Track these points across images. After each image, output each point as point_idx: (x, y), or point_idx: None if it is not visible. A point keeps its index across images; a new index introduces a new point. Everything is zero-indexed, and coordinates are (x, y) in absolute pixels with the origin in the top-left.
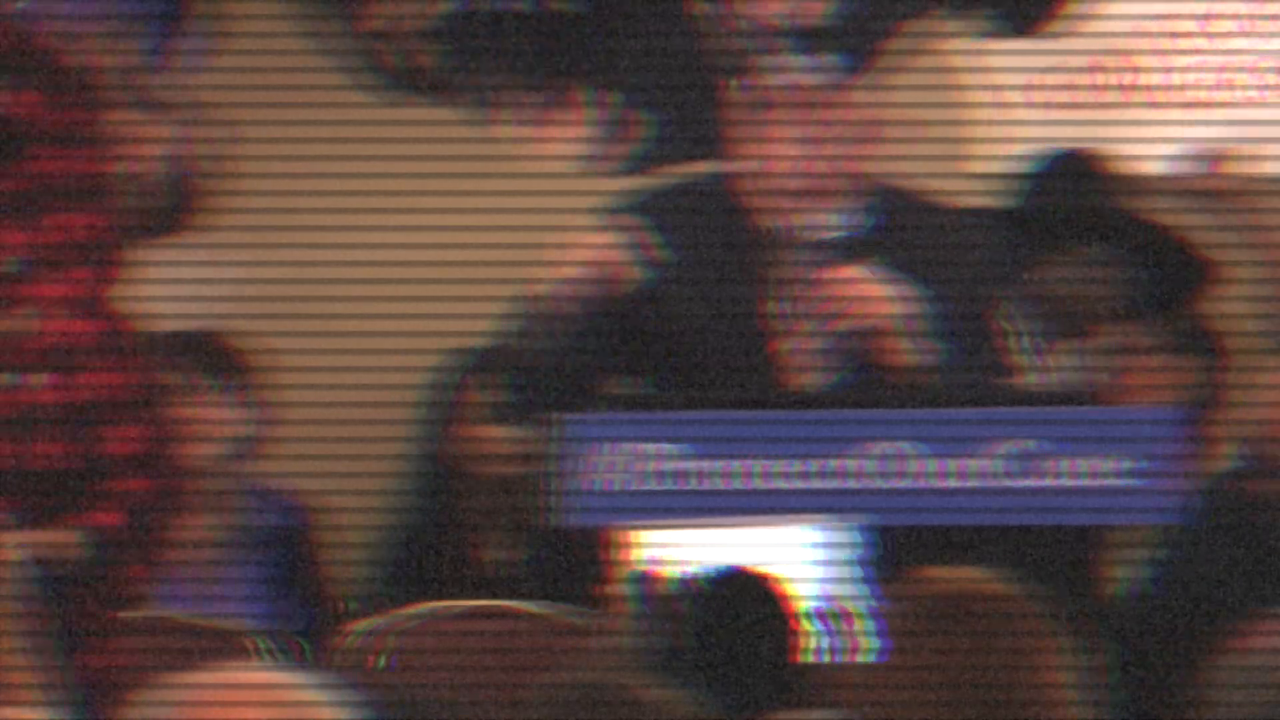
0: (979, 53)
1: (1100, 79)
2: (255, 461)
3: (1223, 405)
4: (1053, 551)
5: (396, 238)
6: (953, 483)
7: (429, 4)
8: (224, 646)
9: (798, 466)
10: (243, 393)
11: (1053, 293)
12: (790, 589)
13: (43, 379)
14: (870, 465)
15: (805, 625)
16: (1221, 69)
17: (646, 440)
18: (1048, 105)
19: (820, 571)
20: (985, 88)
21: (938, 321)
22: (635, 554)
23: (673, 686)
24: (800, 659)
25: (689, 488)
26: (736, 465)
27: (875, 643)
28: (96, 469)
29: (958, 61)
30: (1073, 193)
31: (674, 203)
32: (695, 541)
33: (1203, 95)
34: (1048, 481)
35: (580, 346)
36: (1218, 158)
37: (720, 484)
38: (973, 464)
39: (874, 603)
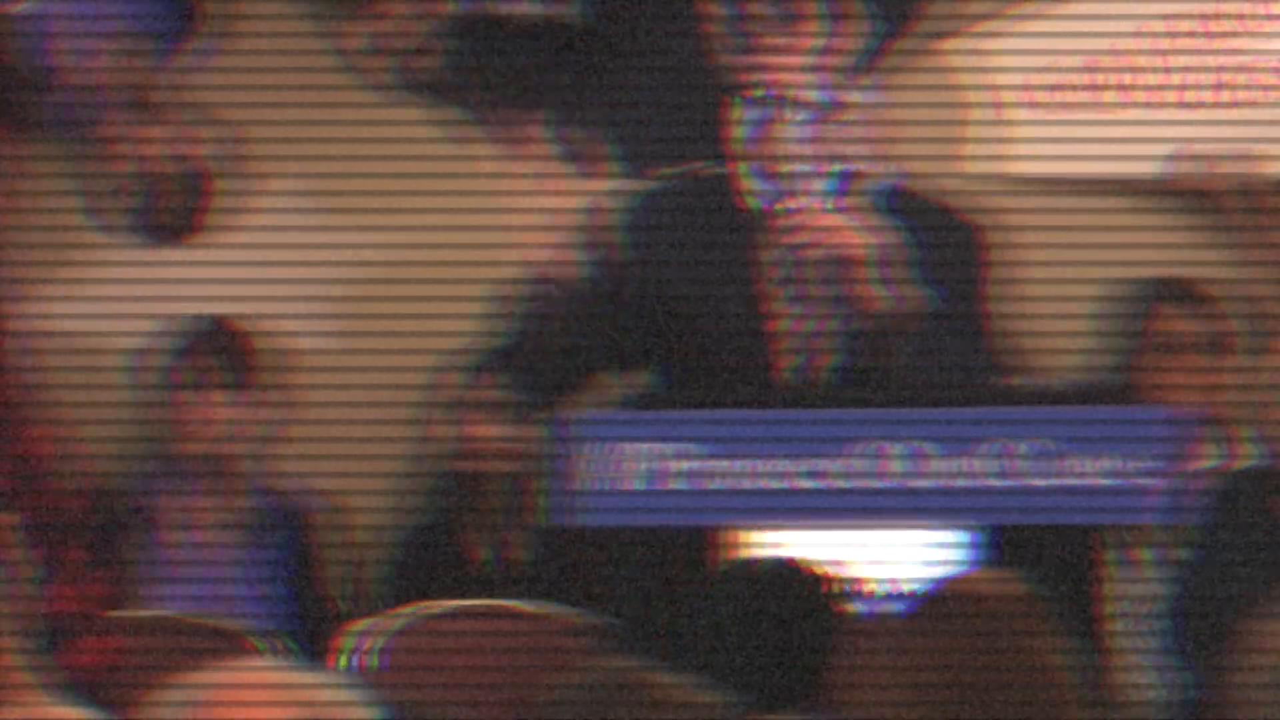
0: (976, 53)
1: (1098, 79)
2: (263, 459)
3: (1239, 403)
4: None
5: (403, 237)
6: (961, 482)
7: (436, 5)
8: (224, 646)
9: (803, 466)
10: (253, 390)
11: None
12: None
13: None
14: (865, 465)
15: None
16: (1219, 69)
17: (647, 439)
18: (1046, 106)
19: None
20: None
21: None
22: (734, 552)
23: (690, 683)
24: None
25: (690, 487)
26: (740, 465)
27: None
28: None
29: (955, 62)
30: None
31: (672, 200)
32: (797, 541)
33: (1199, 96)
34: (1058, 480)
35: (581, 344)
36: (1213, 160)
37: (722, 483)
38: (980, 463)
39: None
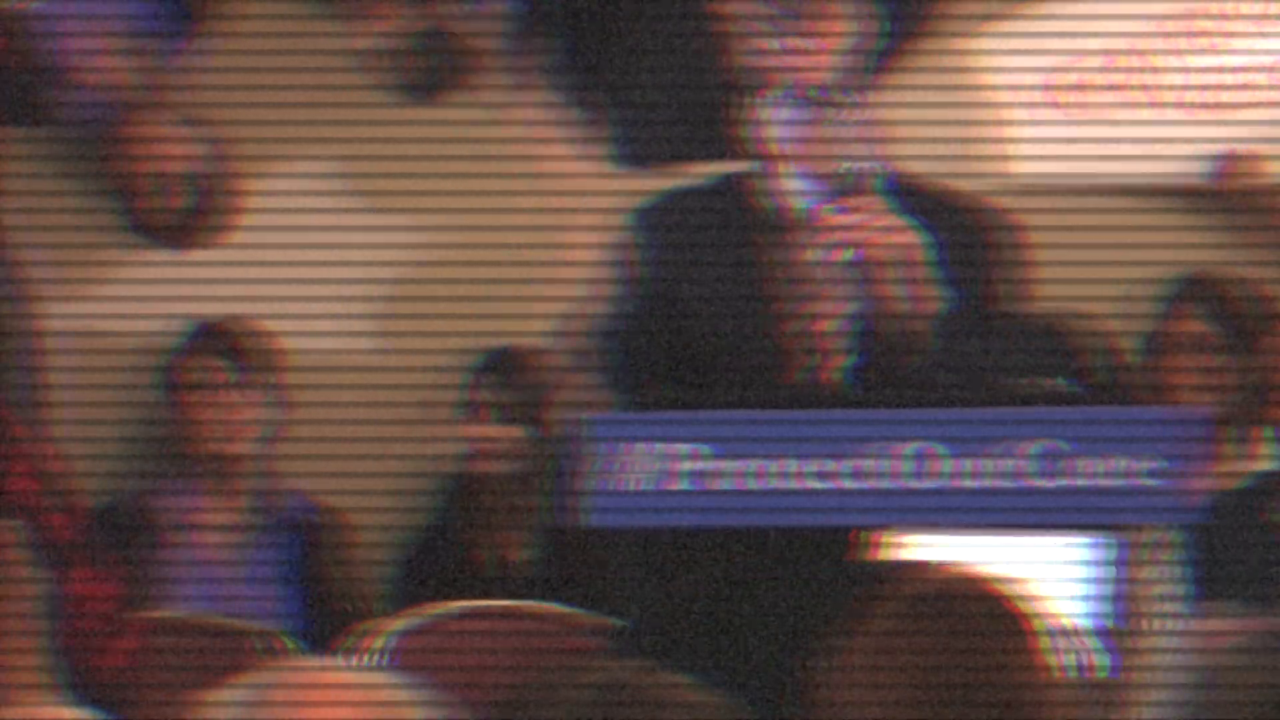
0: (991, 53)
1: (1114, 79)
2: (271, 460)
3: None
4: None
5: (414, 238)
6: (977, 483)
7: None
8: (234, 646)
9: (819, 466)
10: (261, 391)
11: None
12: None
13: None
14: (895, 465)
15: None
16: (1237, 70)
17: (667, 440)
18: (1061, 106)
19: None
20: (999, 88)
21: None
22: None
23: (703, 687)
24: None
25: (710, 488)
26: (750, 465)
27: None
28: None
29: (969, 62)
30: None
31: (688, 203)
32: (948, 545)
33: (1217, 98)
34: (1072, 481)
35: (604, 348)
36: (1232, 160)
37: (741, 484)
38: (997, 464)
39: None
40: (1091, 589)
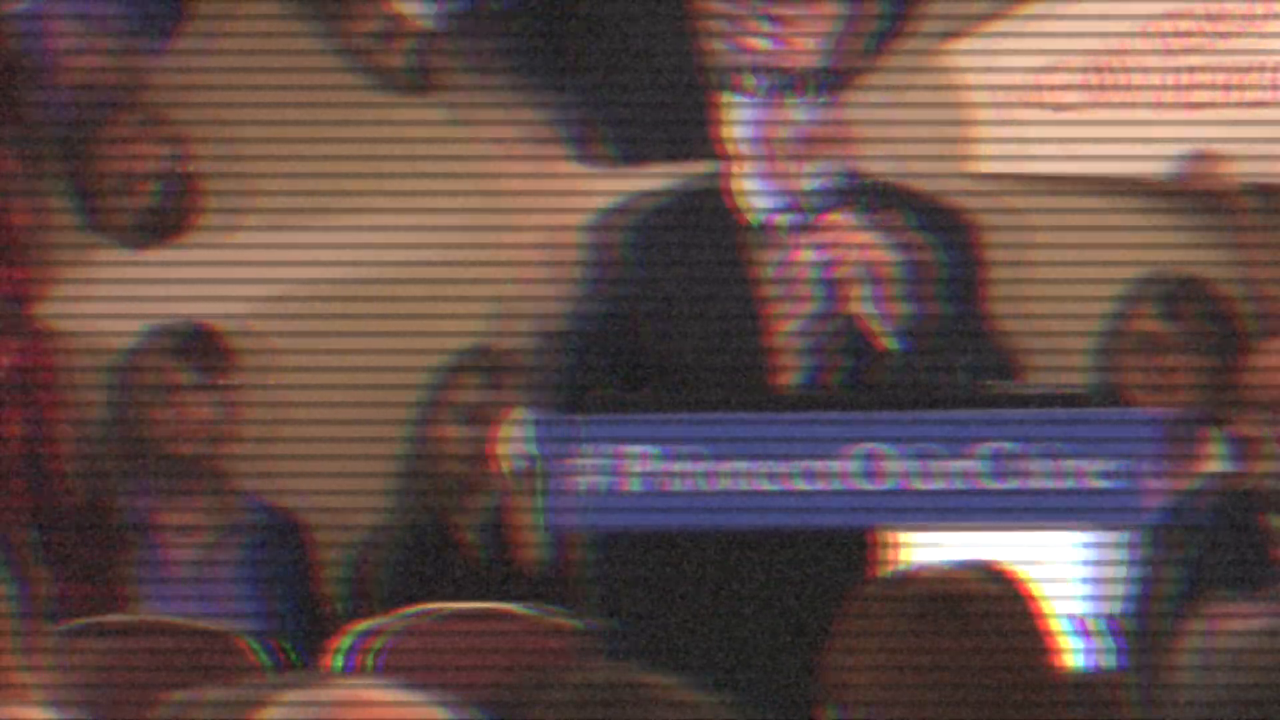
0: (972, 53)
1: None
2: (250, 460)
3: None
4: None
5: (386, 238)
6: (935, 484)
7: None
8: (216, 648)
9: (781, 468)
10: (239, 391)
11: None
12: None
13: None
14: (853, 466)
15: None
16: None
17: (633, 442)
18: (1047, 105)
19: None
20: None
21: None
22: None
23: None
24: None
25: (674, 489)
26: (721, 467)
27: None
28: None
29: (950, 63)
30: None
31: (662, 205)
32: (959, 543)
33: (1204, 96)
34: (1031, 483)
35: (571, 349)
36: (1206, 160)
37: (704, 485)
38: (955, 465)
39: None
40: (1099, 585)
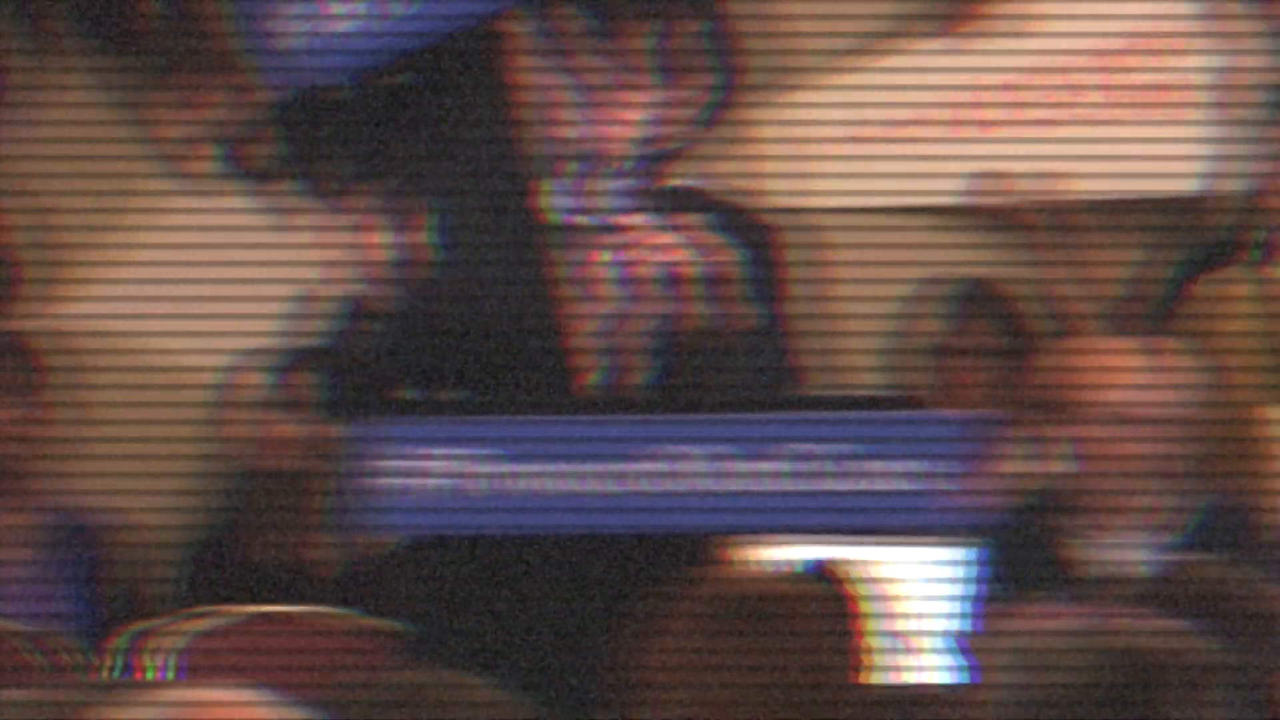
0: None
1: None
2: (49, 464)
3: (1032, 409)
4: None
5: (183, 238)
6: (746, 485)
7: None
8: (13, 649)
9: (587, 469)
10: (37, 397)
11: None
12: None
13: None
14: (657, 468)
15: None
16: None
17: (436, 443)
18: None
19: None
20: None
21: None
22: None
23: (496, 686)
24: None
25: (501, 491)
26: (524, 469)
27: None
28: None
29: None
30: None
31: (476, 213)
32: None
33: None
34: (834, 485)
35: (373, 350)
36: (1006, 181)
37: (532, 487)
38: (759, 467)
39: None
40: (938, 595)
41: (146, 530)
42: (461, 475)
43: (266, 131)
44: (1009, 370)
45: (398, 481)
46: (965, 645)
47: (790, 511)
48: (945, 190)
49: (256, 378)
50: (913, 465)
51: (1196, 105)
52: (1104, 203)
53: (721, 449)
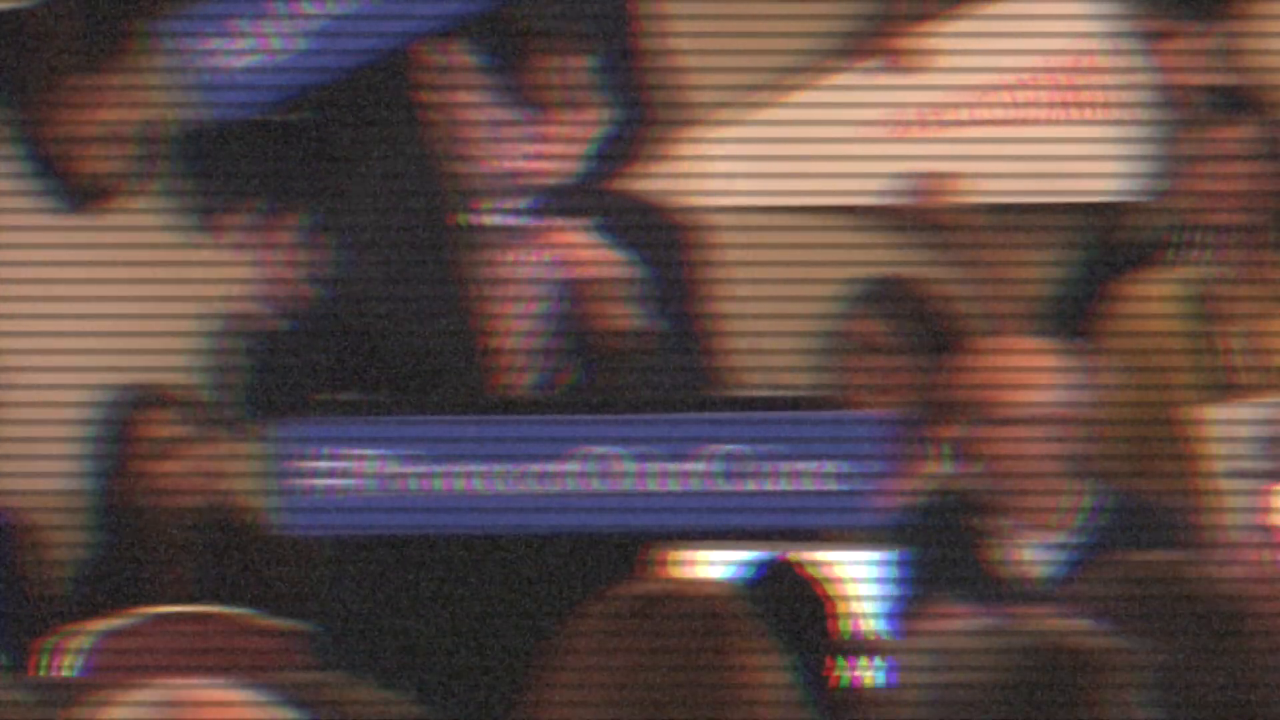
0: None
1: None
2: None
3: (946, 409)
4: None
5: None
6: (666, 485)
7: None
8: None
9: (510, 469)
10: None
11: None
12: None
13: None
14: (584, 468)
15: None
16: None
17: (358, 446)
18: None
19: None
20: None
21: (648, 289)
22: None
23: (384, 687)
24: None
25: (406, 491)
26: (449, 469)
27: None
28: None
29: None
30: None
31: (371, 203)
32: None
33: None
34: (758, 485)
35: (287, 356)
36: (931, 184)
37: (430, 486)
38: (684, 467)
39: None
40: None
41: (56, 531)
42: (391, 475)
43: (158, 146)
44: (925, 370)
45: (328, 482)
46: (884, 646)
47: (710, 512)
48: (863, 190)
49: (144, 415)
50: (831, 465)
51: (1114, 108)
52: (1021, 205)
53: (642, 449)
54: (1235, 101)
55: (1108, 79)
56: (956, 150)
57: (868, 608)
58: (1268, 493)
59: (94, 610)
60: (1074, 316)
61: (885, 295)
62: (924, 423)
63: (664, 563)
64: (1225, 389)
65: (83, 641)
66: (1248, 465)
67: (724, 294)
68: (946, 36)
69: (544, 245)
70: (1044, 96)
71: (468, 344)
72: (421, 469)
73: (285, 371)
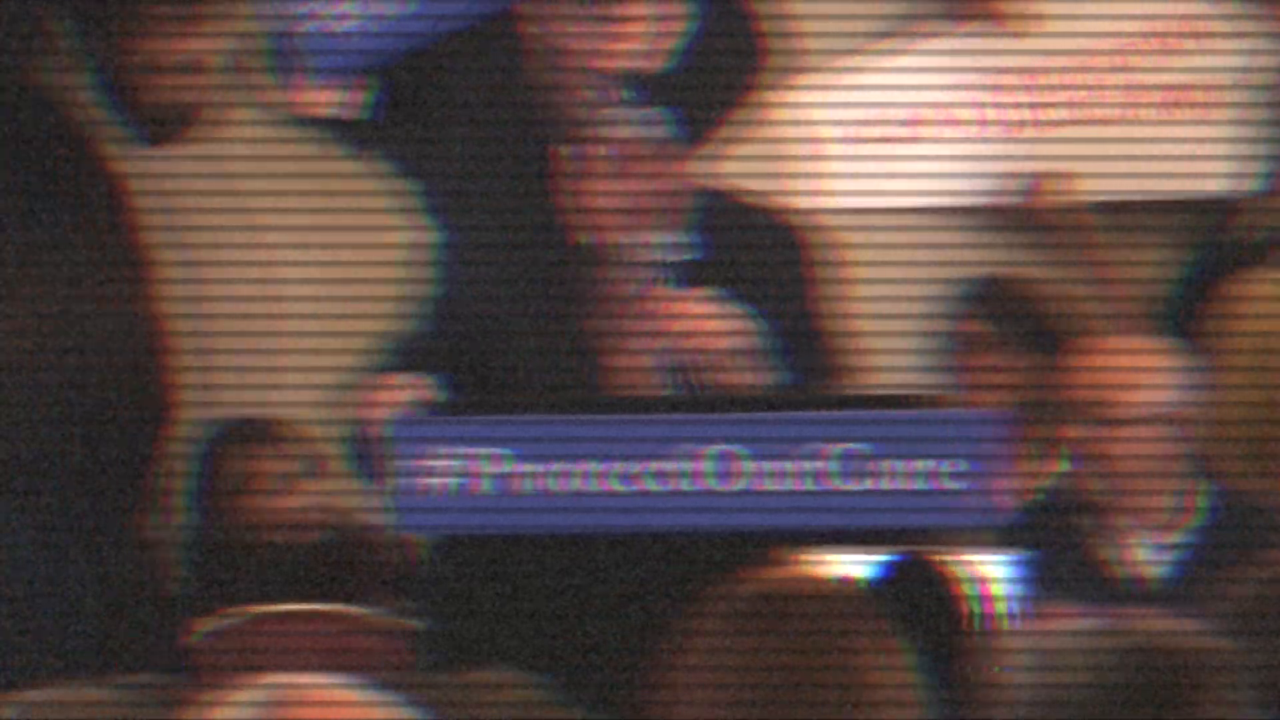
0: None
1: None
2: None
3: (1053, 409)
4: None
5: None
6: (783, 485)
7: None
8: None
9: (627, 469)
10: None
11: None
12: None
13: None
14: (699, 467)
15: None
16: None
17: (475, 445)
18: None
19: None
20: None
21: (774, 340)
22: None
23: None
24: None
25: (516, 491)
26: (563, 468)
27: None
28: None
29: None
30: None
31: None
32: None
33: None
34: (875, 484)
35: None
36: (1042, 181)
37: (547, 486)
38: (802, 466)
39: None
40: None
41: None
42: (511, 475)
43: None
44: (1038, 370)
45: (448, 481)
46: (1000, 645)
47: (827, 512)
48: (967, 190)
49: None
50: (948, 464)
51: (1222, 105)
52: (1131, 203)
53: (760, 448)
54: None
55: (1220, 72)
56: (1066, 150)
57: (984, 607)
58: None
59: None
60: (1185, 316)
61: (997, 295)
62: (1037, 422)
63: (781, 562)
64: None
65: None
66: None
67: (841, 293)
68: (1046, 14)
69: (664, 314)
70: (1150, 93)
71: (585, 342)
72: (539, 468)
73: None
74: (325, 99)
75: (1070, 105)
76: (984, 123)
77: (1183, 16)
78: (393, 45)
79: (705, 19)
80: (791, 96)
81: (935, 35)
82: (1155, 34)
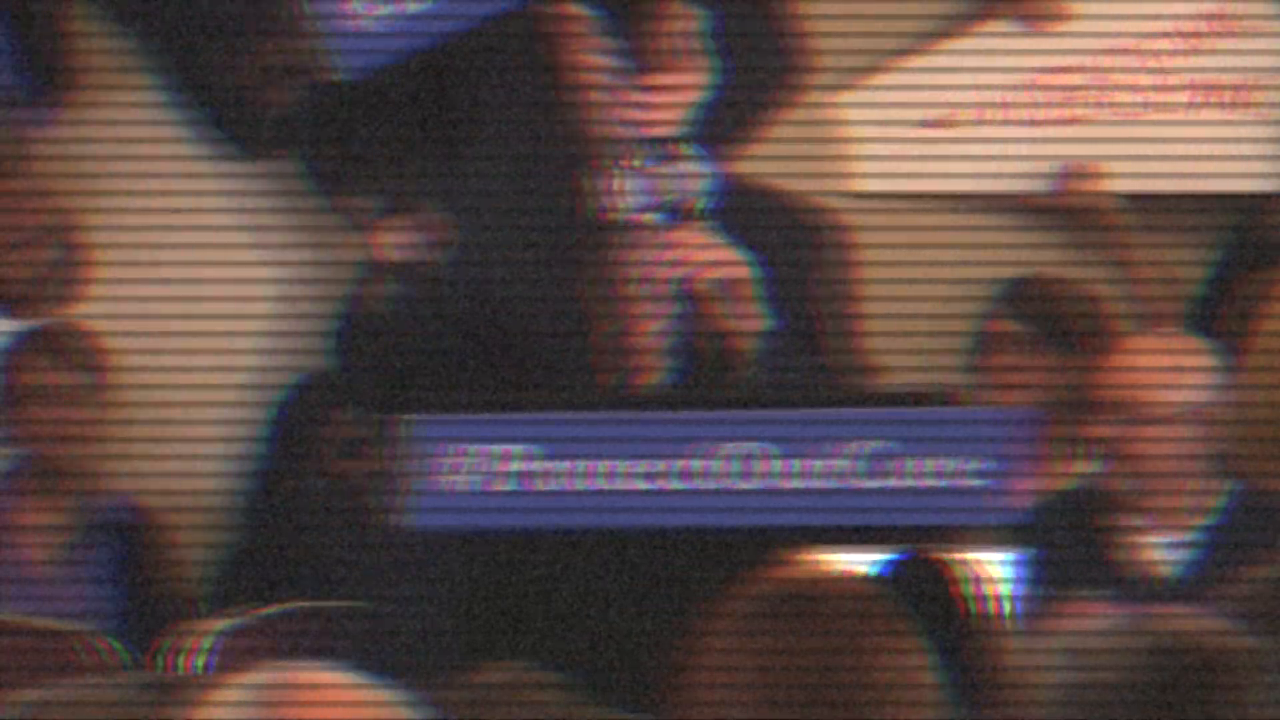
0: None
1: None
2: (98, 460)
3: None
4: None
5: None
6: (807, 482)
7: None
8: (54, 647)
9: (649, 467)
10: (90, 392)
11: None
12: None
13: None
14: (721, 466)
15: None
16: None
17: (494, 441)
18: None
19: None
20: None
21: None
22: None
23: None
24: None
25: (537, 489)
26: (585, 466)
27: None
28: None
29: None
30: None
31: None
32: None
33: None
34: (899, 482)
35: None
36: (1073, 176)
37: (569, 484)
38: (823, 464)
39: None
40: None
41: (186, 529)
42: (531, 473)
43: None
44: (1066, 368)
45: (468, 479)
46: (1020, 643)
47: (849, 511)
48: (998, 186)
49: (302, 392)
50: (974, 462)
51: (1253, 101)
52: (1162, 199)
53: (783, 446)
54: None
55: (1250, 71)
56: (1096, 147)
57: (1004, 604)
58: None
59: (235, 603)
60: (1215, 313)
61: (1026, 293)
62: (1064, 420)
63: (803, 560)
64: None
65: (208, 640)
66: None
67: (865, 291)
68: (1077, 13)
69: (668, 246)
70: (1181, 91)
71: (603, 339)
72: (560, 466)
73: (419, 367)
74: None
75: (1100, 102)
76: (1015, 120)
77: (1213, 13)
78: (411, 45)
79: (732, 24)
80: (825, 96)
81: (967, 34)
82: (1186, 31)
